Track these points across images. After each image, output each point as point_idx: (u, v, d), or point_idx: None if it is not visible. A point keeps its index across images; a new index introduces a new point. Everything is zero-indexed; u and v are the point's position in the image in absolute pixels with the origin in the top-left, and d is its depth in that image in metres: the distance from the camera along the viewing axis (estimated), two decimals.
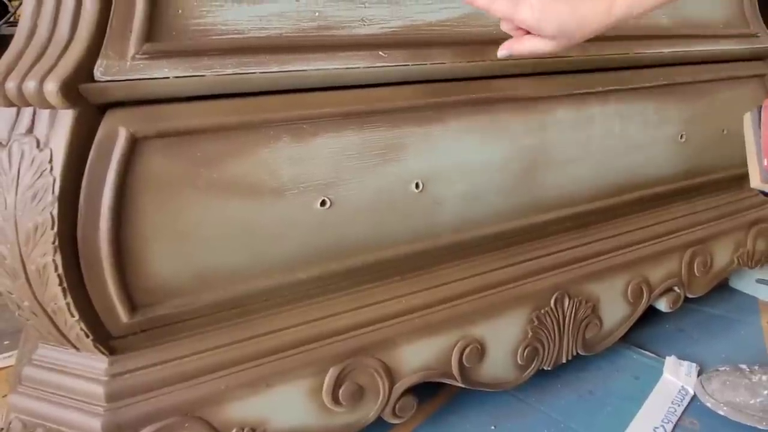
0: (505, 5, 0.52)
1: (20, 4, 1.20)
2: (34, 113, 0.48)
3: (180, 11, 0.51)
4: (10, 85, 0.46)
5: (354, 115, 0.58)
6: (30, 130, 0.48)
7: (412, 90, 0.62)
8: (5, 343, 0.96)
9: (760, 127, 0.61)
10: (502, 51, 0.55)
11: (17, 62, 0.47)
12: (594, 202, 0.79)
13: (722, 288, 1.06)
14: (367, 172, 0.60)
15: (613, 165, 0.79)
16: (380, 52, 0.59)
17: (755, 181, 0.60)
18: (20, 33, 0.49)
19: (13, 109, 0.49)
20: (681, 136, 0.86)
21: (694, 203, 0.92)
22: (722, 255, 0.95)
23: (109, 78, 0.48)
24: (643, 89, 0.80)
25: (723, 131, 0.90)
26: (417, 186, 0.63)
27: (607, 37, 0.76)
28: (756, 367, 0.78)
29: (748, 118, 0.64)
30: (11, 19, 1.21)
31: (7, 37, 1.20)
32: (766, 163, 0.59)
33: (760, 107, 0.63)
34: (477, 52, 0.65)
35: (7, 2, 1.23)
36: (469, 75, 0.65)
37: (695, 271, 0.91)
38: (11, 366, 0.88)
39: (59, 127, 0.47)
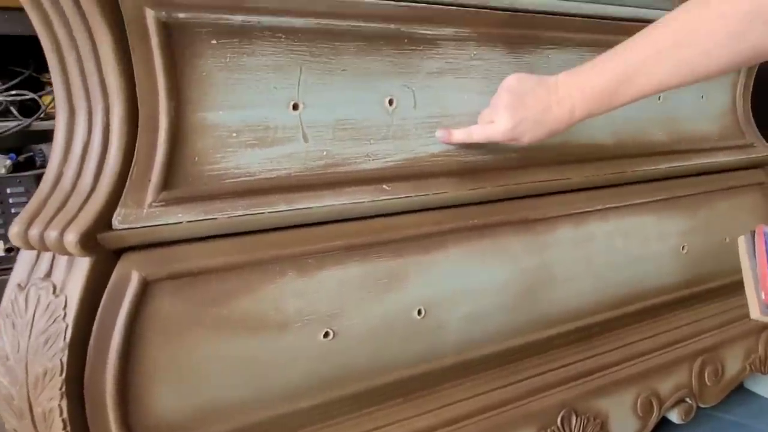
0: (482, 131, 0.62)
1: (52, 100, 1.28)
2: (53, 257, 0.51)
3: (196, 158, 0.54)
4: (33, 232, 0.49)
5: (358, 247, 0.60)
6: (48, 274, 0.50)
7: (414, 219, 0.64)
8: None
9: (755, 256, 0.62)
10: (460, 134, 0.64)
11: (41, 210, 0.51)
12: (596, 315, 0.80)
13: (738, 390, 1.03)
14: (371, 301, 0.61)
15: (614, 279, 0.80)
16: (384, 186, 0.62)
17: (755, 313, 0.60)
18: (46, 180, 0.53)
19: (34, 252, 0.52)
20: (683, 247, 0.86)
21: (699, 311, 0.91)
22: (733, 362, 0.93)
23: (126, 226, 0.50)
24: (642, 204, 0.82)
25: (725, 239, 0.91)
26: (419, 312, 0.64)
27: (605, 156, 0.79)
28: None
29: (742, 243, 0.64)
30: (42, 116, 1.28)
31: (39, 133, 1.26)
32: (764, 297, 0.59)
33: (754, 232, 0.64)
34: (478, 179, 0.68)
35: (38, 99, 1.30)
36: (470, 201, 0.68)
37: (706, 380, 0.89)
38: None
39: (76, 272, 0.50)
